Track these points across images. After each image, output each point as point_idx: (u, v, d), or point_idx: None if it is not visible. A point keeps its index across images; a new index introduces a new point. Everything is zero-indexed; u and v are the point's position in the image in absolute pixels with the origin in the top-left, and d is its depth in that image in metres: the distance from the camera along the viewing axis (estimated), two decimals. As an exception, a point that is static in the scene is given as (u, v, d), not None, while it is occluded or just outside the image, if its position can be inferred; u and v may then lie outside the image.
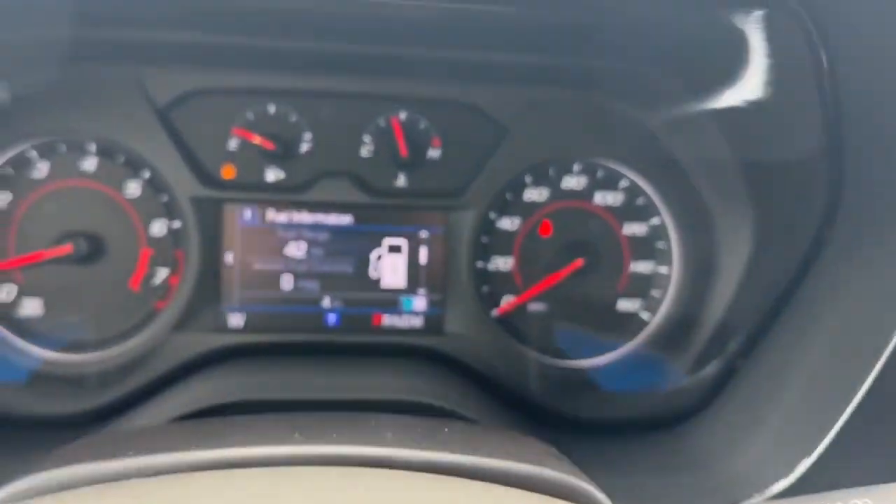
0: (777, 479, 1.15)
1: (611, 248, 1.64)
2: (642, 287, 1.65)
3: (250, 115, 1.56)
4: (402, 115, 1.60)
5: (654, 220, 1.64)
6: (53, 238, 1.49)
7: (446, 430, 0.99)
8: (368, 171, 1.58)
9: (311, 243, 1.57)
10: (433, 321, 1.61)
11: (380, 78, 1.56)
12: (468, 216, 1.58)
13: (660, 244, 1.65)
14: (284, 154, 1.56)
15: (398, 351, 1.57)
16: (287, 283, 1.57)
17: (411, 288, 1.60)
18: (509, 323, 1.63)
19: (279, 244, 1.57)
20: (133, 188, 1.53)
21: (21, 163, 1.49)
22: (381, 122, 1.59)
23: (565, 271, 1.59)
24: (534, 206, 1.62)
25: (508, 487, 0.81)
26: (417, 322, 1.61)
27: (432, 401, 1.27)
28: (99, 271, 1.52)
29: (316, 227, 1.57)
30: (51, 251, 1.47)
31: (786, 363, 1.31)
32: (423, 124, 1.60)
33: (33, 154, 1.50)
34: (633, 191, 1.64)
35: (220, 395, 1.26)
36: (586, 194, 1.63)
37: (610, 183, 1.64)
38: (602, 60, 1.52)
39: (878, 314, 1.16)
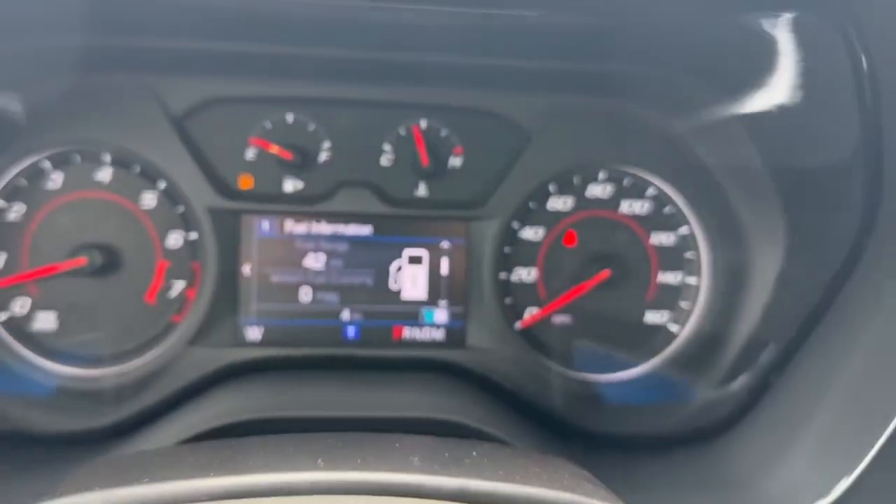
0: (815, 500, 1.11)
1: (638, 258, 1.61)
2: (670, 299, 1.62)
3: (268, 124, 1.55)
4: (423, 123, 1.58)
5: (683, 230, 1.61)
6: (68, 250, 1.47)
7: (474, 453, 0.96)
8: (388, 180, 1.57)
9: (330, 255, 1.56)
10: (455, 334, 1.58)
11: (400, 85, 1.55)
12: (490, 226, 1.55)
13: (688, 254, 1.61)
14: (303, 164, 1.54)
15: (419, 364, 1.55)
16: (305, 295, 1.55)
17: (432, 300, 1.58)
18: (533, 336, 1.60)
19: (297, 256, 1.55)
20: (149, 199, 1.52)
21: (35, 174, 1.48)
22: (402, 131, 1.57)
23: (591, 283, 1.57)
24: (558, 215, 1.60)
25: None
26: (439, 335, 1.59)
27: (456, 418, 1.26)
28: (114, 284, 1.50)
29: (335, 238, 1.56)
30: (65, 264, 1.46)
31: (823, 377, 1.27)
32: (444, 132, 1.58)
33: (47, 165, 1.48)
34: (660, 199, 1.61)
35: (238, 412, 1.25)
36: (612, 203, 1.61)
37: (637, 191, 1.61)
38: (628, 65, 1.50)
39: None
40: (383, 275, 1.57)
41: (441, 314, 1.59)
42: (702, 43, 1.38)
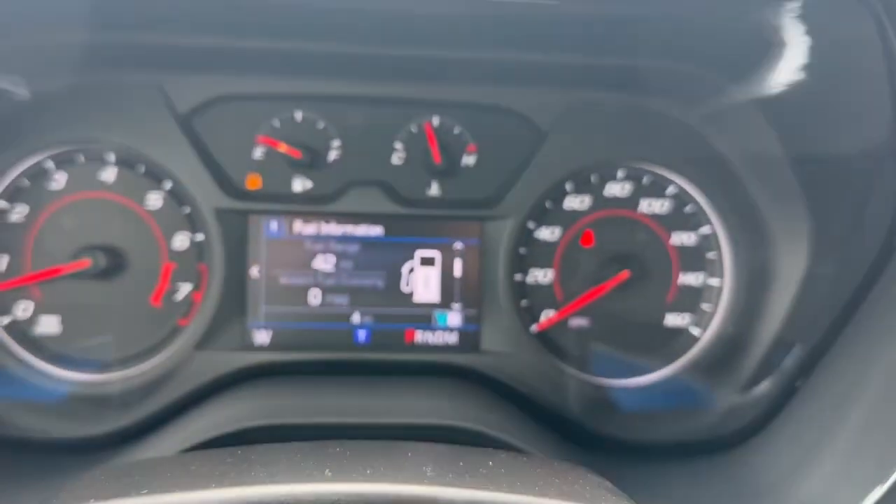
0: (847, 508, 1.07)
1: (658, 259, 1.58)
2: (692, 301, 1.59)
3: (276, 123, 1.54)
4: (436, 121, 1.56)
5: (704, 229, 1.58)
6: (71, 252, 1.46)
7: (490, 462, 0.92)
8: (400, 179, 1.55)
9: (340, 256, 1.54)
10: (468, 337, 1.57)
11: (411, 82, 1.54)
12: (505, 226, 1.53)
13: (710, 254, 1.58)
14: (312, 163, 1.53)
15: (431, 369, 1.53)
16: (315, 297, 1.53)
17: (445, 302, 1.56)
18: (549, 339, 1.58)
19: (307, 257, 1.53)
20: (154, 199, 1.50)
21: (38, 174, 1.48)
22: (413, 128, 1.56)
23: (609, 284, 1.54)
24: (575, 214, 1.57)
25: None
26: (452, 338, 1.57)
27: (470, 425, 1.24)
28: (119, 287, 1.49)
29: (345, 238, 1.54)
30: (69, 266, 1.45)
31: (851, 381, 1.23)
32: (457, 130, 1.56)
33: (50, 165, 1.47)
34: (681, 198, 1.59)
35: (246, 418, 1.23)
36: (631, 202, 1.58)
37: (656, 190, 1.59)
38: (646, 59, 1.47)
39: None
40: (395, 277, 1.55)
41: (454, 317, 1.56)
42: (719, 30, 1.34)
